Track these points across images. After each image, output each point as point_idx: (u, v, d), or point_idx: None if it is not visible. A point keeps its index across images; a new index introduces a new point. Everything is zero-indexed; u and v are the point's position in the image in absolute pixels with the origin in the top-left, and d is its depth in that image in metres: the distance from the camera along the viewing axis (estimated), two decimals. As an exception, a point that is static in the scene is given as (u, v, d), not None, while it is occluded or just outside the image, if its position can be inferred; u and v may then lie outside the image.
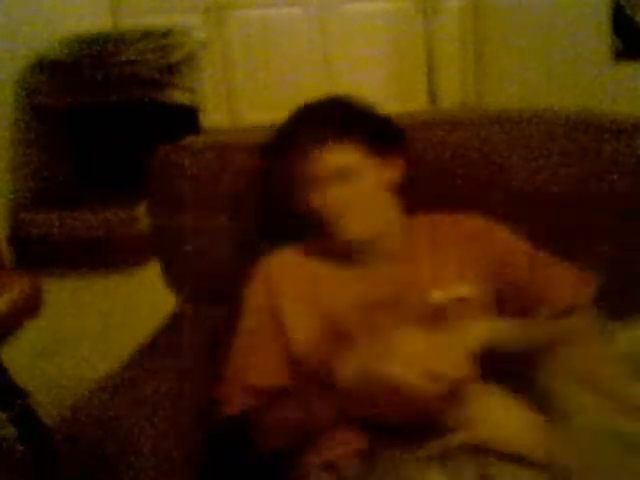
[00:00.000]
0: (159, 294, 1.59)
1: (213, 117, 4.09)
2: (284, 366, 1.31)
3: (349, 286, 1.34)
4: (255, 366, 1.30)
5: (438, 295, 1.29)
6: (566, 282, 1.30)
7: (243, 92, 4.33)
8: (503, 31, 3.92)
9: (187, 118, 3.72)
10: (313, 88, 4.01)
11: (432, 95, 4.16)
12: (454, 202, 1.44)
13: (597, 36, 3.72)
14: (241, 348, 1.33)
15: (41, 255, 3.40)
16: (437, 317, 1.26)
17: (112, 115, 3.62)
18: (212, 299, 1.53)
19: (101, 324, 2.91)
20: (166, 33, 3.66)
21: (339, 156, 1.31)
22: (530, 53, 3.84)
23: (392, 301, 1.30)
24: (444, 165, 1.48)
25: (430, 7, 4.05)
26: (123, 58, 3.46)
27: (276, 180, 1.39)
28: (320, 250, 1.39)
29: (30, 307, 2.05)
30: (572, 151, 1.44)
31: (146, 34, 3.65)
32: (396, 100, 3.88)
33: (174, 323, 1.53)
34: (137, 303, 2.96)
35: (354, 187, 1.31)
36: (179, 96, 3.63)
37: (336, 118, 1.34)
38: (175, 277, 1.57)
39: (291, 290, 1.35)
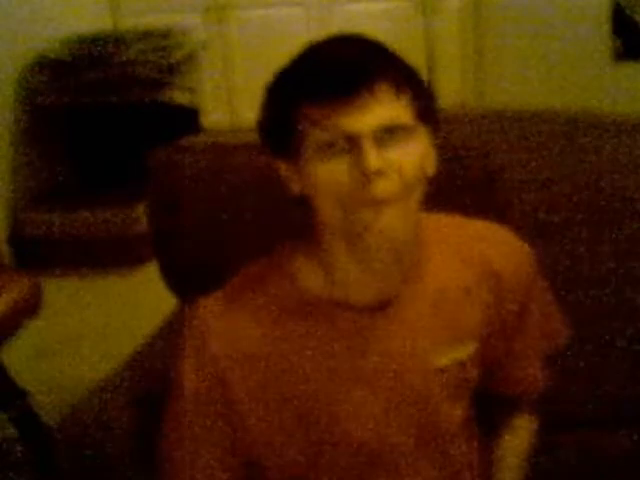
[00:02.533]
0: (159, 294, 1.59)
1: (213, 117, 4.09)
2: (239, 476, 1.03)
3: (325, 354, 1.01)
4: (206, 447, 1.01)
5: (440, 361, 1.03)
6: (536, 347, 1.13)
7: (243, 92, 4.33)
8: (503, 31, 3.92)
9: (187, 118, 3.72)
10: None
11: (432, 95, 4.16)
12: (453, 202, 1.44)
13: (597, 36, 3.72)
14: (178, 457, 1.02)
15: (41, 255, 3.40)
16: (438, 386, 1.03)
17: (112, 115, 3.62)
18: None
19: (101, 324, 2.90)
20: (166, 33, 3.66)
21: (392, 109, 0.92)
22: (530, 53, 3.84)
23: (389, 375, 1.02)
24: (444, 165, 1.48)
25: (430, 7, 4.05)
26: (123, 58, 3.46)
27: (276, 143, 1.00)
28: (275, 293, 1.02)
29: (30, 307, 2.05)
30: (572, 151, 1.44)
31: (146, 34, 3.65)
32: (396, 100, 3.88)
33: (174, 323, 1.53)
34: (137, 303, 2.96)
35: (405, 153, 0.93)
36: (179, 96, 3.63)
37: (381, 60, 0.94)
38: (175, 277, 1.57)
39: (240, 367, 1.00)
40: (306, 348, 1.00)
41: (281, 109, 0.96)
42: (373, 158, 0.90)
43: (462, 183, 1.48)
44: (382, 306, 1.01)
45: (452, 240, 1.08)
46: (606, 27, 3.69)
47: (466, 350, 1.04)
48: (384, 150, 0.91)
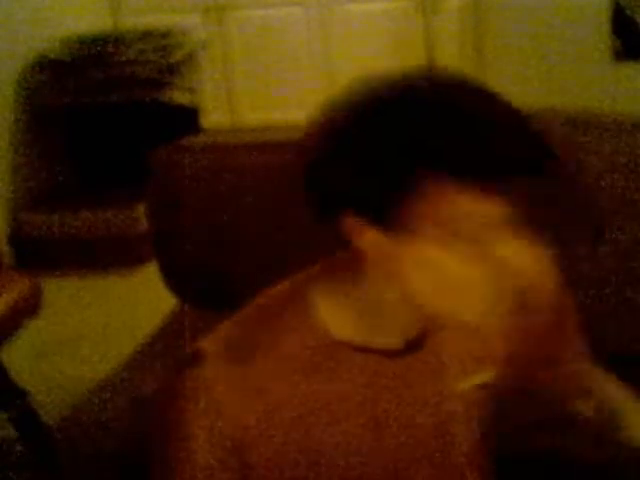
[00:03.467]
0: (159, 294, 1.59)
1: (213, 117, 4.09)
2: None
3: (356, 406, 0.89)
4: None
5: (463, 386, 0.94)
6: None
7: (243, 92, 4.33)
8: (503, 31, 3.91)
9: (187, 118, 3.72)
10: (313, 88, 4.02)
11: (432, 95, 4.15)
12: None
13: (597, 36, 3.71)
14: None
15: (41, 255, 3.40)
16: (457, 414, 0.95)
17: (112, 115, 3.62)
18: (212, 299, 1.53)
19: (101, 324, 2.90)
20: (166, 33, 3.66)
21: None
22: (530, 53, 3.83)
23: (420, 421, 0.93)
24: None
25: (430, 7, 4.05)
26: (123, 58, 3.46)
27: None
28: (296, 338, 0.88)
29: (30, 307, 2.05)
30: (572, 151, 1.44)
31: (146, 34, 3.65)
32: (396, 100, 3.88)
33: (174, 323, 1.53)
34: (137, 303, 2.96)
35: None
36: (179, 96, 3.63)
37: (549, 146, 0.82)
38: (175, 277, 1.57)
39: (262, 425, 0.86)
40: (324, 398, 0.88)
41: (399, 166, 0.76)
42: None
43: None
44: (411, 348, 0.91)
45: None
46: (606, 27, 3.69)
47: (485, 375, 0.94)
48: None
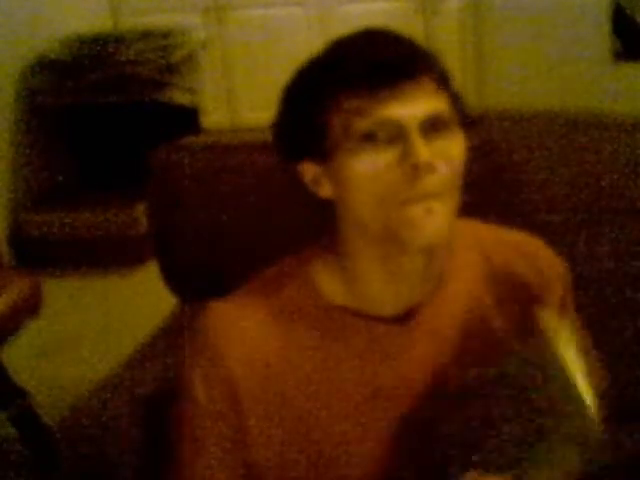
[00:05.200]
0: (159, 294, 1.59)
1: (213, 117, 4.09)
2: None
3: (341, 367, 0.94)
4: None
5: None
6: None
7: (243, 92, 4.33)
8: (503, 31, 3.91)
9: (187, 118, 3.72)
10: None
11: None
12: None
13: (597, 36, 3.71)
14: (187, 460, 0.96)
15: (41, 255, 3.40)
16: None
17: (112, 115, 3.62)
18: (212, 299, 1.53)
19: (101, 324, 2.91)
20: (166, 33, 3.66)
21: (436, 102, 0.87)
22: (530, 53, 3.83)
23: (406, 392, 0.95)
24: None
25: (430, 7, 4.05)
26: (123, 58, 3.46)
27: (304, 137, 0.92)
28: (292, 300, 0.95)
29: (30, 307, 2.05)
30: (572, 151, 1.44)
31: (146, 34, 3.65)
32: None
33: (174, 323, 1.53)
34: (137, 303, 2.96)
35: (450, 146, 0.89)
36: (179, 96, 3.63)
37: (423, 54, 0.92)
38: (175, 277, 1.57)
39: (255, 377, 0.92)
40: (320, 360, 0.93)
41: (311, 103, 0.89)
42: (424, 149, 0.84)
43: (462, 182, 1.48)
44: (404, 317, 0.95)
45: (482, 248, 1.02)
46: (606, 27, 3.69)
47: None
48: (430, 143, 0.86)
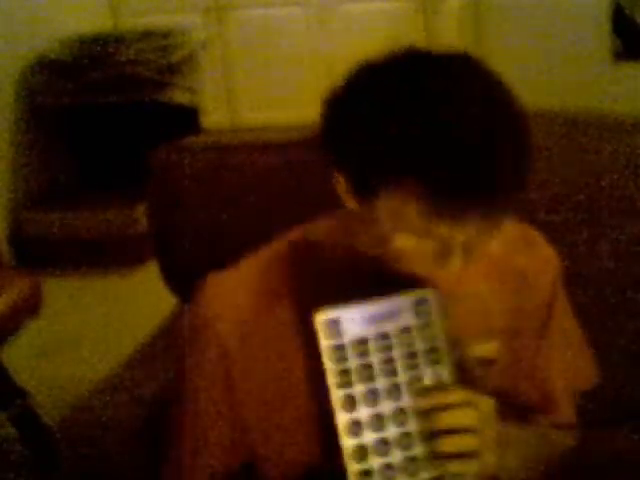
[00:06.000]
0: (159, 294, 1.59)
1: (213, 117, 4.09)
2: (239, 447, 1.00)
3: None
4: (207, 446, 0.99)
5: (464, 352, 0.97)
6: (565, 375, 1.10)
7: (243, 92, 4.33)
8: (503, 31, 3.92)
9: (187, 118, 3.72)
10: (313, 88, 4.02)
11: (432, 95, 4.15)
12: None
13: (597, 36, 3.71)
14: (189, 426, 1.00)
15: (41, 255, 3.40)
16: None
17: (112, 115, 3.62)
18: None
19: (101, 324, 2.91)
20: (166, 33, 3.66)
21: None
22: (530, 53, 3.83)
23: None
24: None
25: (430, 7, 4.05)
26: (123, 58, 3.46)
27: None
28: (292, 276, 0.98)
29: (30, 307, 2.05)
30: (572, 151, 1.44)
31: (146, 34, 3.65)
32: (396, 100, 3.88)
33: (174, 323, 1.53)
34: (137, 303, 2.96)
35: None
36: (179, 96, 3.63)
37: (509, 174, 0.81)
38: (175, 277, 1.57)
39: (245, 352, 0.96)
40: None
41: (374, 157, 0.81)
42: (458, 264, 0.84)
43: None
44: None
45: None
46: (606, 27, 3.69)
47: (488, 348, 0.99)
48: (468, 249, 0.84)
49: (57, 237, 3.47)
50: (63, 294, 3.06)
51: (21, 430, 2.06)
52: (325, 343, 0.88)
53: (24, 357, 2.42)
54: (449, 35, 4.08)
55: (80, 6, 4.03)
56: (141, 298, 2.97)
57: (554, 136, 1.45)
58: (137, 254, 3.26)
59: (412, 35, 4.06)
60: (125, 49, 3.49)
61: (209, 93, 4.04)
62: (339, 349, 0.88)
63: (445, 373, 0.90)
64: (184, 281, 1.57)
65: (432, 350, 0.91)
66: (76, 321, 2.96)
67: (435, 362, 0.90)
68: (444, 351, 0.91)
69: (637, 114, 1.48)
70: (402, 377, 0.89)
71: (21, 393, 2.05)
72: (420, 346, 0.90)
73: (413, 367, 0.90)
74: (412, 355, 0.90)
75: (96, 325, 2.90)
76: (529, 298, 1.04)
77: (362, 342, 0.89)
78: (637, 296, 1.39)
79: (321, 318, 0.88)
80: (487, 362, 0.99)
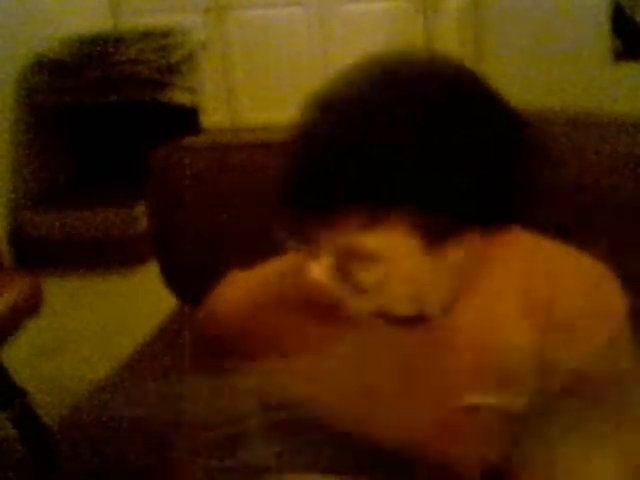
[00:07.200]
0: (159, 294, 1.59)
1: (213, 117, 4.09)
2: None
3: (349, 366, 0.92)
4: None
5: (470, 399, 0.90)
6: None
7: (243, 92, 4.33)
8: (503, 31, 3.92)
9: (187, 118, 3.72)
10: (313, 88, 4.01)
11: (432, 95, 4.15)
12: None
13: (597, 36, 3.72)
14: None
15: (41, 255, 3.40)
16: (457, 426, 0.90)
17: (112, 115, 3.62)
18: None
19: (101, 324, 2.90)
20: (166, 33, 3.66)
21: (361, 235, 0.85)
22: (530, 53, 3.83)
23: (417, 400, 0.91)
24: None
25: (430, 7, 4.05)
26: (123, 58, 3.46)
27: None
28: (305, 291, 0.91)
29: (30, 307, 2.05)
30: (572, 151, 1.44)
31: (146, 34, 3.65)
32: (396, 100, 3.88)
33: (174, 323, 1.53)
34: (137, 303, 2.96)
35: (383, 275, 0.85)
36: (179, 96, 3.63)
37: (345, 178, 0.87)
38: (175, 277, 1.57)
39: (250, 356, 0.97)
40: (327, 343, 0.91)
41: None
42: (317, 272, 0.85)
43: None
44: (421, 317, 0.89)
45: (519, 263, 0.96)
46: (606, 27, 3.69)
47: (509, 400, 0.87)
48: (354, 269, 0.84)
49: (57, 237, 3.47)
50: (63, 294, 3.06)
51: (21, 430, 2.05)
52: None
53: (24, 357, 2.42)
54: (449, 35, 4.08)
55: (80, 6, 4.03)
56: (141, 298, 2.97)
57: (554, 136, 1.45)
58: (137, 254, 3.26)
59: (412, 35, 4.06)
60: (125, 49, 3.49)
61: (209, 93, 4.04)
62: None
63: None
64: (184, 281, 1.57)
65: None
66: (76, 321, 2.96)
67: None
68: None
69: (637, 114, 1.48)
70: None
71: (21, 393, 2.05)
72: None
73: None
74: None
75: (96, 325, 2.90)
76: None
77: None
78: (637, 296, 1.39)
79: None
80: (491, 411, 0.88)
